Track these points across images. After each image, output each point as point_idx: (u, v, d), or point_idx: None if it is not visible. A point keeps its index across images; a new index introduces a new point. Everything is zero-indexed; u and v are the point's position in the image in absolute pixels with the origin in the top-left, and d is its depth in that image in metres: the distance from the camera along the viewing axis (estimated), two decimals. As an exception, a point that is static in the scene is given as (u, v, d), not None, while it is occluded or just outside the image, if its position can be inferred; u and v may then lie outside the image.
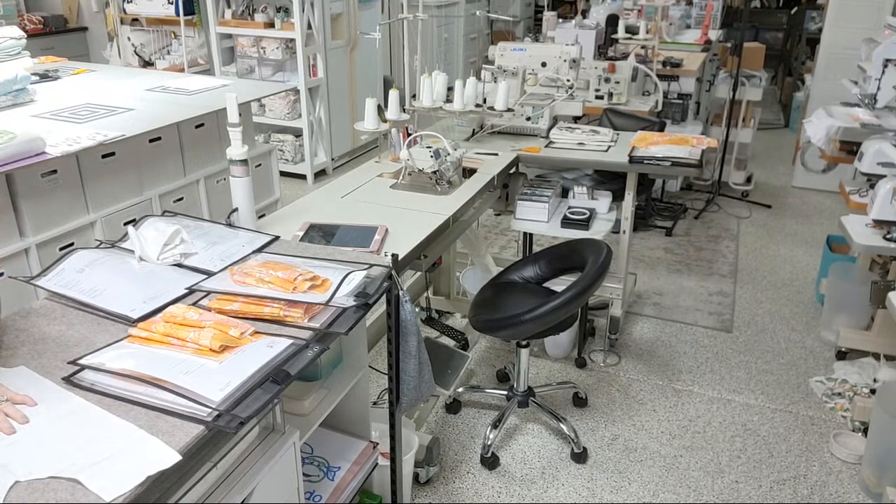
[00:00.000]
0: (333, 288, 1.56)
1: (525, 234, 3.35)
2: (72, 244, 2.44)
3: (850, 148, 3.04)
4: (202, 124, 2.99)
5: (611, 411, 2.85)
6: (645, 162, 2.87)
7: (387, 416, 2.05)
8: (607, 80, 3.96)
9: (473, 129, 3.29)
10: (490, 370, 3.12)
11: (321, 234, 2.03)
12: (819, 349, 3.29)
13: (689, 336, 3.40)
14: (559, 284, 2.44)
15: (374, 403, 2.70)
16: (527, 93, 3.24)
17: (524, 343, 2.61)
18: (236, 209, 1.99)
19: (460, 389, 2.86)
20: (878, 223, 2.65)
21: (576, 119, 3.62)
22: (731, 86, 5.03)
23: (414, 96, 3.01)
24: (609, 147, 3.04)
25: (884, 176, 2.68)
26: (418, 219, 2.20)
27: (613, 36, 4.59)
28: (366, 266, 1.71)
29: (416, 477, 2.42)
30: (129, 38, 5.84)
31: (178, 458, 1.11)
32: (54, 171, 2.37)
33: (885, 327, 3.06)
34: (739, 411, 2.85)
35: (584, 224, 2.81)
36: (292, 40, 5.04)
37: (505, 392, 2.78)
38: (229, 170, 1.97)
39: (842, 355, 3.16)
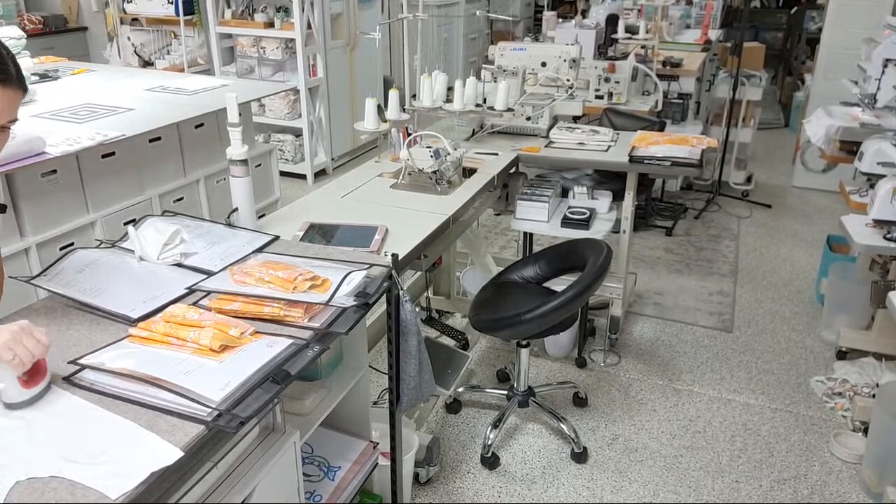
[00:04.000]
0: (333, 288, 1.56)
1: (525, 233, 3.35)
2: (72, 244, 2.44)
3: (850, 148, 3.04)
4: (202, 124, 2.99)
5: (611, 411, 2.84)
6: (645, 162, 2.87)
7: (387, 416, 2.05)
8: (607, 80, 3.96)
9: (473, 129, 3.28)
10: (490, 370, 3.12)
11: (321, 233, 2.03)
12: (819, 349, 3.29)
13: (689, 336, 3.40)
14: (559, 284, 2.44)
15: (374, 403, 2.70)
16: (527, 93, 3.24)
17: (524, 343, 2.61)
18: (236, 209, 1.99)
19: (460, 389, 2.86)
20: (878, 223, 2.65)
21: (576, 119, 3.62)
22: (731, 85, 5.03)
23: (414, 96, 3.01)
24: (609, 147, 3.04)
25: (884, 176, 2.67)
26: (418, 219, 2.20)
27: (613, 36, 4.59)
28: (366, 266, 1.71)
29: (416, 477, 2.42)
30: (129, 38, 5.84)
31: (181, 454, 1.11)
32: (54, 171, 2.37)
33: (885, 327, 3.05)
34: (739, 411, 2.85)
35: (585, 224, 2.81)
36: (292, 40, 5.04)
37: (505, 392, 2.77)
38: (229, 170, 1.97)
39: (842, 355, 3.16)
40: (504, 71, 3.18)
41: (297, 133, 5.34)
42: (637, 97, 4.17)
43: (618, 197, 3.04)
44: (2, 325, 1.22)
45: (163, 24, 5.72)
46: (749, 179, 5.27)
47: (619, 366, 3.15)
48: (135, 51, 5.84)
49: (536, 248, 3.09)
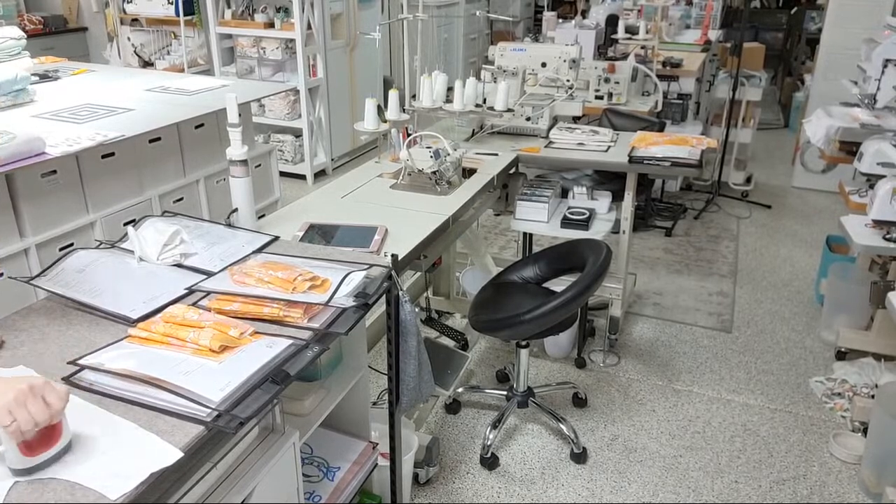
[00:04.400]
0: (333, 288, 1.56)
1: (525, 234, 3.35)
2: (72, 244, 2.44)
3: (849, 148, 3.04)
4: (202, 124, 2.99)
5: (610, 411, 2.85)
6: (645, 162, 2.87)
7: (386, 417, 2.05)
8: (607, 81, 3.96)
9: (473, 130, 3.29)
10: (490, 370, 3.13)
11: (321, 234, 2.03)
12: (819, 349, 3.29)
13: (688, 336, 3.40)
14: (559, 284, 2.44)
15: (374, 403, 2.70)
16: (527, 93, 3.24)
17: (524, 343, 2.61)
18: (236, 209, 2.00)
19: (460, 389, 2.86)
20: (878, 223, 2.65)
21: (575, 119, 3.62)
22: (731, 86, 5.03)
23: (414, 96, 3.01)
24: (609, 147, 3.04)
25: (883, 176, 2.68)
26: (418, 219, 2.20)
27: (613, 36, 4.59)
28: (366, 266, 1.71)
29: (415, 477, 2.42)
30: (129, 39, 5.84)
31: (180, 454, 1.11)
32: (54, 172, 2.37)
33: (884, 327, 3.06)
34: (739, 411, 2.85)
35: (584, 224, 2.82)
36: (292, 40, 5.04)
37: (504, 392, 2.78)
38: (229, 170, 1.97)
39: (841, 355, 3.16)
40: (504, 71, 3.18)
41: (297, 133, 5.34)
42: (637, 97, 4.17)
43: (617, 197, 3.04)
44: (12, 379, 1.05)
45: (163, 24, 5.73)
46: (749, 180, 5.27)
47: (619, 366, 3.15)
48: (135, 51, 5.84)
49: (536, 249, 3.09)
